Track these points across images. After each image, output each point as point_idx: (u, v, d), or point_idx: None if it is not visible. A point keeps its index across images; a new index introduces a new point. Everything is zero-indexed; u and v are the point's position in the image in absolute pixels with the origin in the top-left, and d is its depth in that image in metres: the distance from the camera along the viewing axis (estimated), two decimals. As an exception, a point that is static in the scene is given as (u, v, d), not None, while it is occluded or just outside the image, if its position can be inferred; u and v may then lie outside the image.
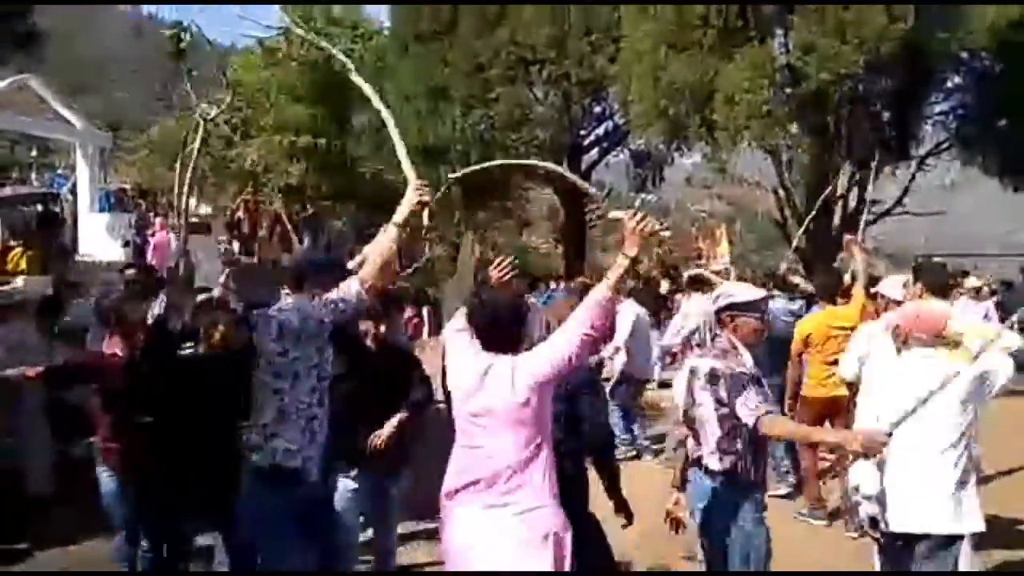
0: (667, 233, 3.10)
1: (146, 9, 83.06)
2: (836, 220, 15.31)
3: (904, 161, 15.91)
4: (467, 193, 18.68)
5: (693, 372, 3.25)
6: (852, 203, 16.14)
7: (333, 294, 2.97)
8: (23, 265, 12.10)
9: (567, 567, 2.74)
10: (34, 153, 20.56)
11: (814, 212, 9.94)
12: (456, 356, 2.93)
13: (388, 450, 3.84)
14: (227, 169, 22.32)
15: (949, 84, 14.92)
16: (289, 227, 17.42)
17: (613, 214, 2.94)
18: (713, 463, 3.16)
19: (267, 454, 3.06)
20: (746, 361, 3.15)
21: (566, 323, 2.76)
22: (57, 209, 13.44)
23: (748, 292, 3.38)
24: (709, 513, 3.19)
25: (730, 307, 3.27)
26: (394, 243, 2.92)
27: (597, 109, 18.09)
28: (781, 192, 15.95)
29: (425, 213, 3.09)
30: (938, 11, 12.28)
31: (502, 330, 2.84)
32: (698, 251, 15.23)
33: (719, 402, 3.11)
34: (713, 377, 3.11)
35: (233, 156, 21.71)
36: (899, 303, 4.34)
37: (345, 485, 3.85)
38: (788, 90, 12.65)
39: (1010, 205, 23.47)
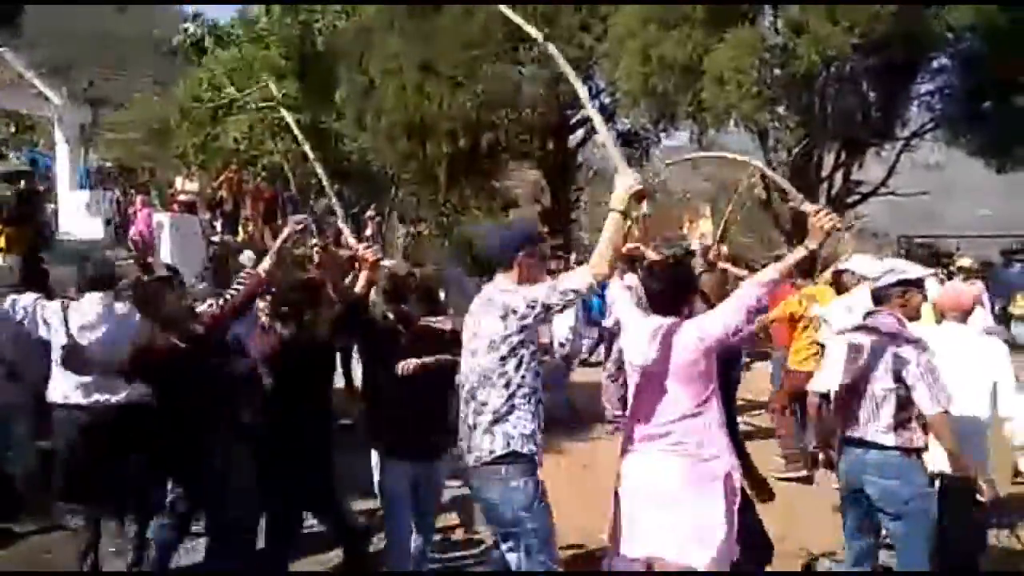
0: (841, 226, 3.26)
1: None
2: (822, 200, 15.35)
3: (889, 142, 15.94)
4: (452, 172, 18.55)
5: (858, 349, 3.51)
6: (838, 184, 16.20)
7: (567, 283, 2.91)
8: (2, 244, 11.91)
9: (735, 508, 3.13)
10: (13, 130, 20.19)
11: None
12: (627, 319, 3.44)
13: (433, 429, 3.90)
14: (211, 147, 22.06)
15: (935, 65, 14.92)
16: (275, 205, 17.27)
17: (805, 207, 3.11)
18: (888, 439, 3.41)
19: (499, 440, 2.98)
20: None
21: (733, 295, 3.13)
22: (40, 187, 13.22)
23: (917, 269, 3.65)
24: (888, 485, 3.42)
25: (901, 283, 3.51)
26: (619, 231, 2.86)
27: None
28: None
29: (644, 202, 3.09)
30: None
31: (671, 296, 3.27)
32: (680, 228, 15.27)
33: (899, 381, 3.36)
34: (900, 361, 3.35)
35: (216, 133, 21.45)
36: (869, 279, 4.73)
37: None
38: (777, 70, 12.60)
39: (992, 185, 23.66)
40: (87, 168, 15.15)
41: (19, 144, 19.17)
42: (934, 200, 19.94)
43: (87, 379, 4.30)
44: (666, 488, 3.12)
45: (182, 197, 14.46)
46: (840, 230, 3.14)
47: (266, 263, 3.98)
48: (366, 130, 17.90)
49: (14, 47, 22.93)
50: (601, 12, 14.63)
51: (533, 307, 2.92)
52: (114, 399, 4.31)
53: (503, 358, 2.96)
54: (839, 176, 16.18)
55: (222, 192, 15.91)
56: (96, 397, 4.31)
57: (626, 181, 2.85)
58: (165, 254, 12.46)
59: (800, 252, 3.04)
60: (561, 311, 3.03)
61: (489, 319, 3.00)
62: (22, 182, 13.02)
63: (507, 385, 2.97)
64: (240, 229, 16.01)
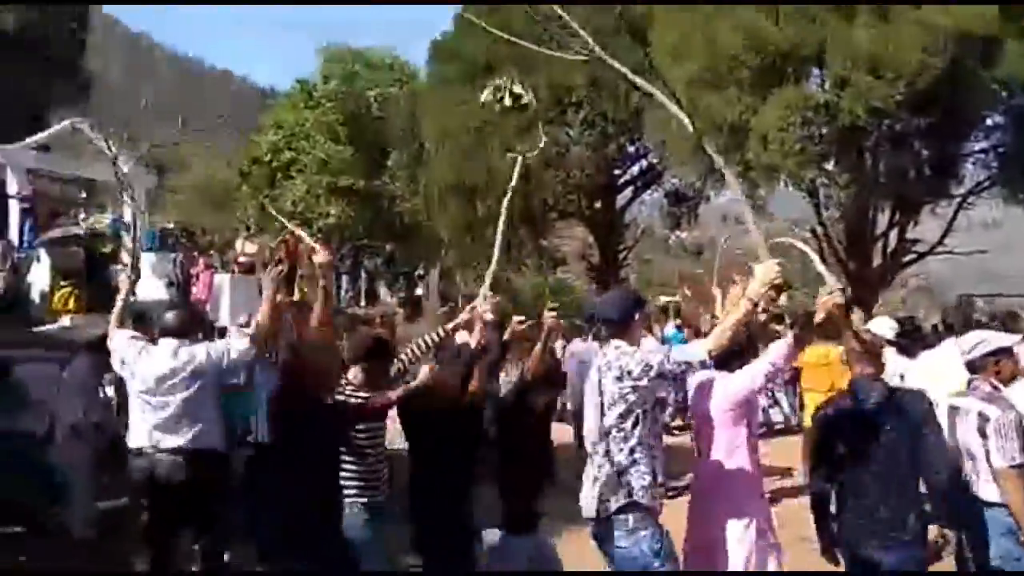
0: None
1: (193, 52, 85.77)
2: (877, 259, 15.13)
3: (944, 199, 15.72)
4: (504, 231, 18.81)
5: (956, 410, 3.70)
6: (893, 241, 15.96)
7: (682, 354, 3.22)
8: (71, 304, 12.42)
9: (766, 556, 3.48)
10: (84, 194, 21.20)
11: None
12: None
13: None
14: (268, 209, 22.83)
15: (989, 122, 14.76)
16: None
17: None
18: (992, 494, 3.52)
19: (623, 493, 3.23)
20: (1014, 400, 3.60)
21: (762, 356, 3.53)
22: (106, 249, 13.77)
23: (1006, 339, 3.88)
24: (1001, 539, 3.51)
25: (994, 352, 3.71)
26: (748, 316, 3.09)
27: (631, 148, 18.22)
28: (819, 230, 15.83)
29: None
30: (974, 48, 12.21)
31: (724, 355, 3.45)
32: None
33: (984, 438, 3.51)
34: (983, 418, 3.51)
35: (275, 196, 22.23)
36: (892, 342, 5.36)
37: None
38: (824, 128, 12.63)
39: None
40: (153, 231, 15.75)
41: (90, 207, 20.07)
42: (993, 257, 19.49)
43: (161, 423, 4.39)
44: (699, 532, 3.60)
45: (242, 259, 14.90)
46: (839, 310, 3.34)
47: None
48: (418, 193, 18.37)
49: (83, 115, 24.44)
50: (648, 75, 14.92)
51: (647, 372, 3.18)
52: (182, 442, 4.37)
53: (621, 415, 3.24)
54: (894, 234, 15.95)
55: (279, 253, 16.36)
56: (172, 442, 4.38)
57: (768, 272, 2.99)
58: (225, 314, 12.78)
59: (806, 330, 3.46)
60: (674, 379, 3.37)
61: (608, 380, 3.27)
62: (89, 246, 13.67)
63: (626, 439, 3.24)
64: (295, 289, 16.43)
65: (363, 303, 19.13)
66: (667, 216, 22.00)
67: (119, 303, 4.88)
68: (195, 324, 4.76)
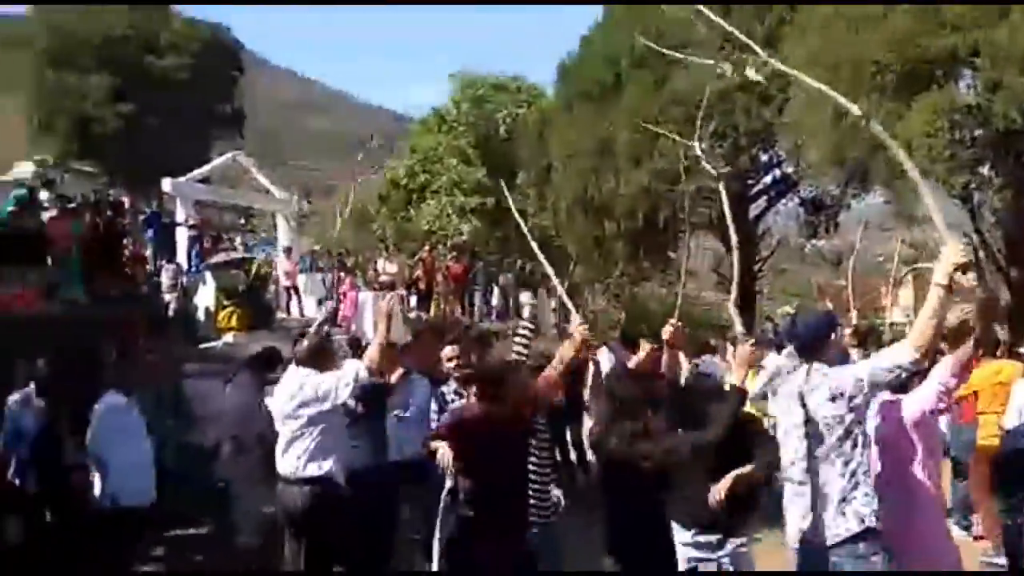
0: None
1: (335, 86, 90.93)
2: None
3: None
4: (630, 244, 18.80)
5: None
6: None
7: (889, 360, 3.06)
8: (234, 323, 13.51)
9: None
10: (242, 221, 23.05)
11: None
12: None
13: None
14: (405, 229, 23.92)
15: None
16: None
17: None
18: None
19: (853, 519, 3.14)
20: None
21: (930, 375, 3.29)
22: (263, 272, 14.90)
23: None
24: None
25: None
26: (944, 305, 2.89)
27: (764, 158, 17.75)
28: (974, 237, 14.78)
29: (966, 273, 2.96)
30: None
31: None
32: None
33: None
34: None
35: (411, 217, 23.26)
36: None
37: None
38: (977, 132, 11.85)
39: None
40: (302, 256, 16.92)
41: (246, 235, 21.78)
42: None
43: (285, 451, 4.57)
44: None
45: (383, 278, 15.72)
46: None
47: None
48: (546, 209, 18.66)
49: (237, 148, 26.58)
50: (778, 83, 14.57)
51: (860, 388, 3.08)
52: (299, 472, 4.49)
53: (840, 439, 3.11)
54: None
55: (417, 272, 17.09)
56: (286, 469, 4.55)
57: (952, 252, 2.78)
58: (368, 330, 13.48)
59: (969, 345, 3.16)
60: (886, 387, 3.19)
61: (818, 403, 3.15)
62: (248, 270, 14.84)
63: (846, 463, 3.10)
64: (432, 305, 17.07)
65: (494, 318, 19.59)
66: (804, 225, 21.22)
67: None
68: (325, 353, 4.77)
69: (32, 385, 5.47)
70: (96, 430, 5.16)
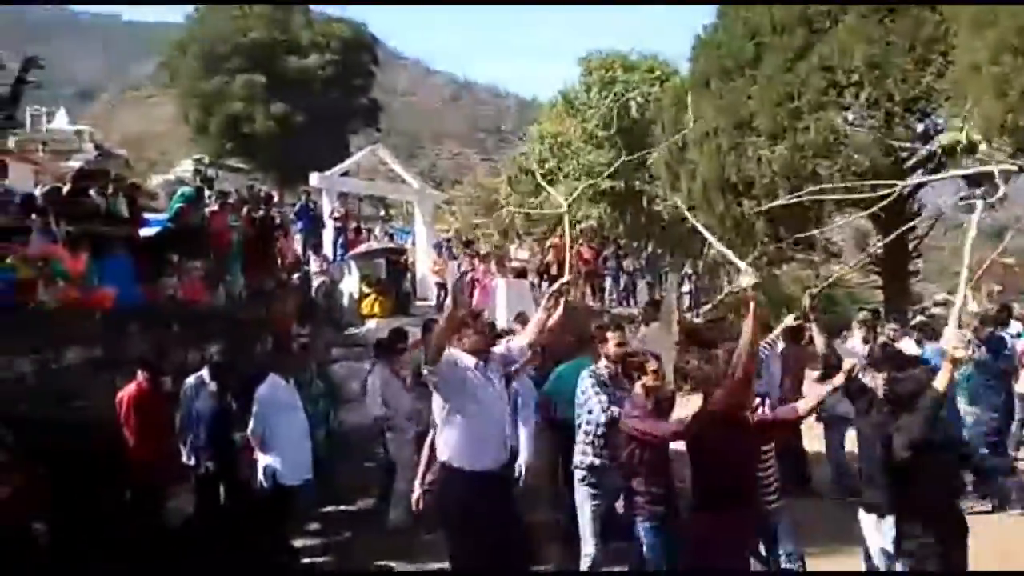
0: None
1: (463, 76, 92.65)
2: None
3: None
4: (771, 224, 17.93)
5: None
6: None
7: None
8: (376, 309, 14.06)
9: None
10: (381, 213, 23.95)
11: None
12: None
13: None
14: (534, 216, 23.97)
15: None
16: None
17: None
18: None
19: None
20: None
21: None
22: (403, 260, 15.39)
23: None
24: None
25: None
26: None
27: (920, 128, 16.39)
28: None
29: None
30: None
31: None
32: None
33: None
34: None
35: (540, 202, 23.28)
36: None
37: None
38: None
39: None
40: (439, 242, 17.33)
41: (385, 224, 22.59)
42: None
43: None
44: None
45: (515, 264, 15.85)
46: None
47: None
48: (679, 190, 18.13)
49: (374, 140, 27.65)
50: (940, 48, 13.38)
51: None
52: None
53: None
54: None
55: (549, 257, 17.12)
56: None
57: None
58: (501, 316, 13.64)
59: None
60: None
61: None
62: (389, 259, 15.35)
63: None
64: (560, 296, 17.07)
65: (627, 303, 19.34)
66: (963, 199, 19.50)
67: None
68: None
69: (205, 370, 5.88)
70: (259, 412, 5.49)
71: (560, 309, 4.51)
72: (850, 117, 15.38)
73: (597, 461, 4.81)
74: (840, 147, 14.99)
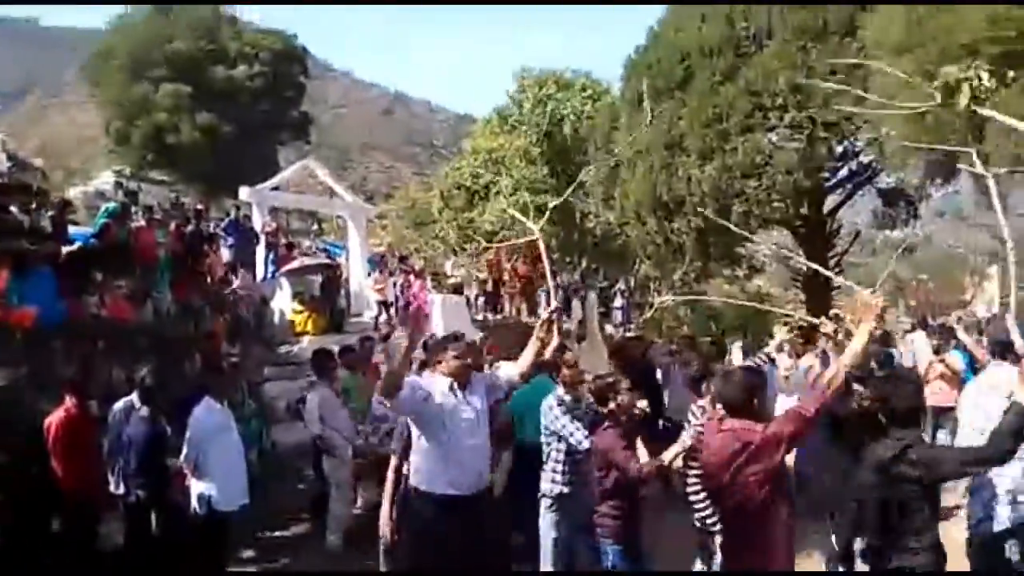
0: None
1: (394, 89, 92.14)
2: None
3: None
4: (699, 240, 18.43)
5: None
6: None
7: None
8: (309, 327, 13.78)
9: None
10: (315, 227, 23.55)
11: None
12: None
13: None
14: (468, 231, 23.97)
15: None
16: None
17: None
18: None
19: None
20: None
21: None
22: (336, 275, 15.14)
23: None
24: None
25: None
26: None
27: (840, 149, 17.17)
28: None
29: None
30: None
31: None
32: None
33: None
34: None
35: (473, 218, 23.29)
36: None
37: None
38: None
39: None
40: (371, 258, 17.12)
41: (316, 239, 22.22)
42: None
43: None
44: None
45: (451, 280, 15.81)
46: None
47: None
48: (612, 208, 18.45)
49: (304, 154, 27.20)
50: (860, 73, 14.04)
51: None
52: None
53: None
54: None
55: (484, 273, 17.15)
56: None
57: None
58: (438, 332, 13.55)
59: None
60: None
61: None
62: (323, 275, 15.08)
63: None
64: (499, 307, 17.12)
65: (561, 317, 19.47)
66: (881, 216, 20.51)
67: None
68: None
69: (135, 394, 5.63)
70: (193, 436, 5.29)
71: (555, 337, 4.44)
72: (775, 138, 15.96)
73: (567, 489, 4.79)
74: (766, 167, 15.52)
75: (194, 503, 5.24)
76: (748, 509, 3.23)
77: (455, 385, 4.07)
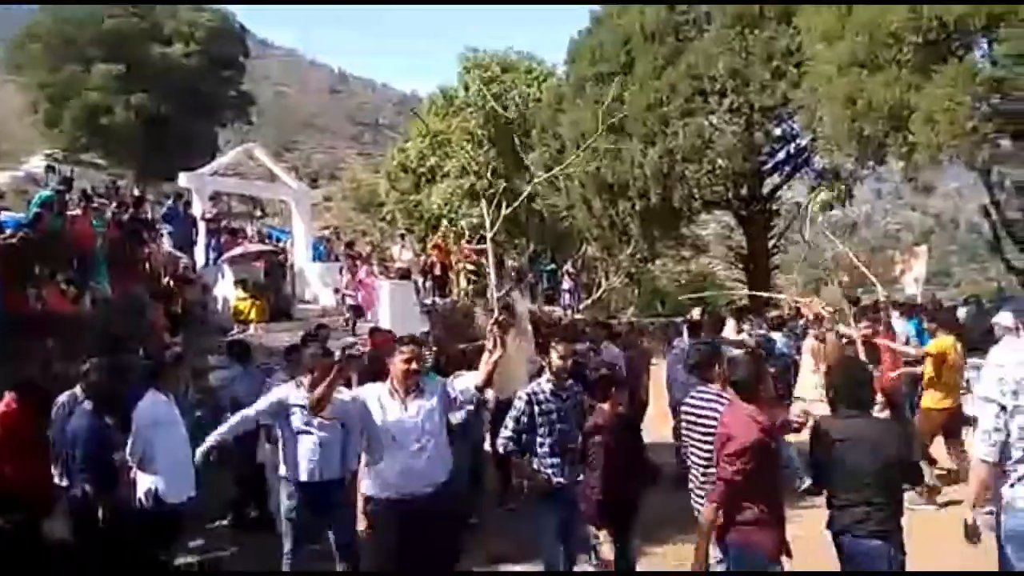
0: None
1: (338, 67, 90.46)
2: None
3: None
4: (644, 223, 18.79)
5: None
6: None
7: None
8: (253, 315, 13.58)
9: None
10: (258, 213, 23.10)
11: None
12: None
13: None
14: (415, 214, 23.89)
15: None
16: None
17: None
18: None
19: None
20: None
21: None
22: (280, 261, 14.94)
23: None
24: None
25: None
26: None
27: (777, 132, 17.66)
28: (992, 208, 14.70)
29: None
30: None
31: None
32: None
33: None
34: None
35: (420, 200, 23.24)
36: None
37: None
38: (996, 104, 11.70)
39: None
40: (315, 242, 16.93)
41: (260, 225, 21.85)
42: None
43: None
44: None
45: (398, 265, 15.72)
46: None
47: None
48: (559, 191, 18.62)
49: (245, 135, 26.62)
50: (795, 59, 14.45)
51: None
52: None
53: None
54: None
55: (432, 257, 17.10)
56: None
57: None
58: (385, 318, 13.51)
59: None
60: None
61: None
62: (267, 261, 14.85)
63: None
64: (448, 290, 17.11)
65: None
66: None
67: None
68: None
69: (79, 387, 5.55)
70: (138, 430, 5.25)
71: (500, 349, 4.34)
72: (715, 121, 16.34)
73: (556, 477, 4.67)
74: (707, 151, 15.91)
75: (140, 496, 5.21)
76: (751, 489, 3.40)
77: (396, 391, 4.12)
